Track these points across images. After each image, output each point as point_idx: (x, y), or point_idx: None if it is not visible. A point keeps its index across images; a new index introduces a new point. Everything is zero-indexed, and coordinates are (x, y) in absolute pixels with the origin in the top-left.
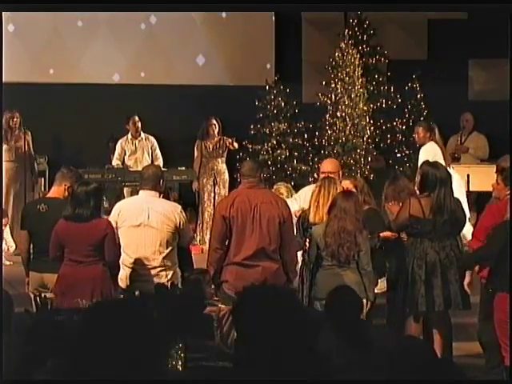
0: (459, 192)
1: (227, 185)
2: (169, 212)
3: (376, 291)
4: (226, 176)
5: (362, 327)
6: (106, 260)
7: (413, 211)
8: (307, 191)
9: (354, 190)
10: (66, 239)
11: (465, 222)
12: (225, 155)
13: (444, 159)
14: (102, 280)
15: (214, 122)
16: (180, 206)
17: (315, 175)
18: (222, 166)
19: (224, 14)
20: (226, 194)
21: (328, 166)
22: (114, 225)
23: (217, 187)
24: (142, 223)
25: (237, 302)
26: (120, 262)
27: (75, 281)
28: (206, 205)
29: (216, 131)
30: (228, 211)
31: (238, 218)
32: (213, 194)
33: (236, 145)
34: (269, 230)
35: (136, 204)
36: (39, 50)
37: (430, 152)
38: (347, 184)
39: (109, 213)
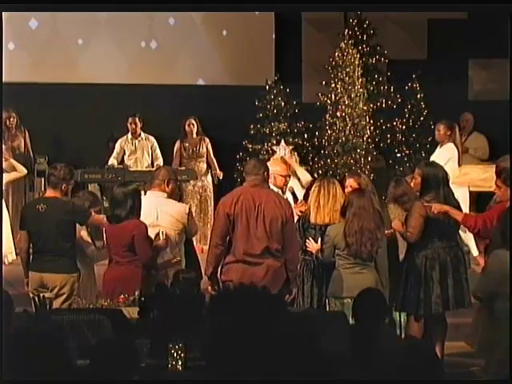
0: (464, 195)
1: (211, 186)
2: (177, 213)
3: None
4: (209, 176)
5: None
6: (140, 261)
7: (429, 213)
8: None
9: (357, 187)
10: (108, 240)
11: None
12: (205, 155)
13: (458, 161)
14: (129, 280)
15: (193, 121)
16: (187, 206)
17: (315, 175)
18: (202, 166)
19: (225, 32)
20: (209, 195)
21: (282, 167)
22: None
23: (199, 188)
24: (151, 224)
25: (213, 300)
26: None
27: (109, 281)
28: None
29: (194, 131)
30: (232, 208)
31: (243, 215)
32: (197, 195)
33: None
34: (271, 230)
35: (144, 205)
36: (39, 50)
37: (448, 154)
38: (351, 182)
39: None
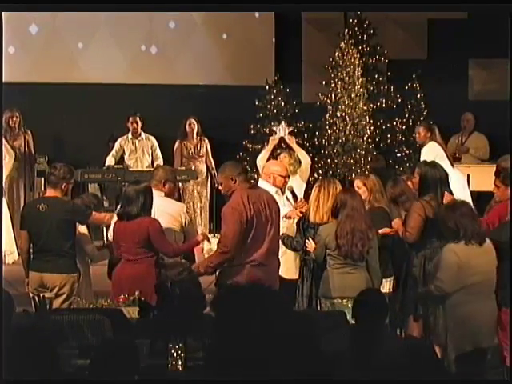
0: (463, 191)
1: (208, 185)
2: (175, 212)
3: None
4: (208, 177)
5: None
6: (165, 255)
7: (428, 213)
8: None
9: (364, 188)
10: (118, 237)
11: None
12: (204, 155)
13: (447, 159)
14: (146, 278)
15: (193, 121)
16: (185, 206)
17: (315, 175)
18: (202, 166)
19: (225, 35)
20: (207, 196)
21: (282, 167)
22: None
23: (199, 188)
24: None
25: (217, 299)
26: None
27: (124, 279)
28: (188, 205)
29: (195, 131)
30: (249, 215)
31: (259, 220)
32: (196, 195)
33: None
34: (277, 230)
35: None
36: (39, 53)
37: (431, 152)
38: (357, 183)
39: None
